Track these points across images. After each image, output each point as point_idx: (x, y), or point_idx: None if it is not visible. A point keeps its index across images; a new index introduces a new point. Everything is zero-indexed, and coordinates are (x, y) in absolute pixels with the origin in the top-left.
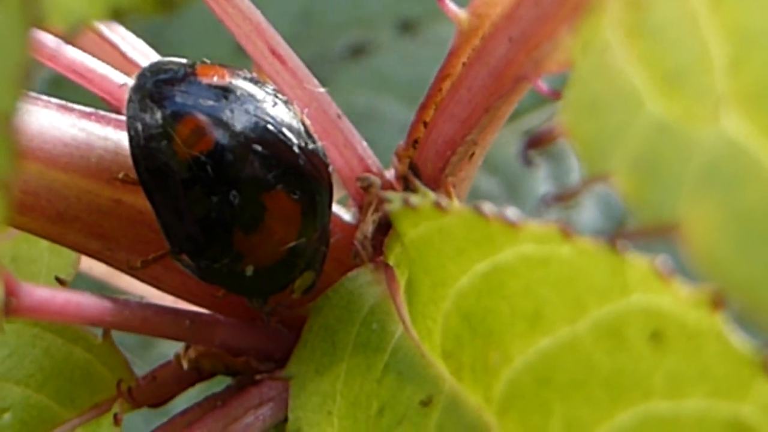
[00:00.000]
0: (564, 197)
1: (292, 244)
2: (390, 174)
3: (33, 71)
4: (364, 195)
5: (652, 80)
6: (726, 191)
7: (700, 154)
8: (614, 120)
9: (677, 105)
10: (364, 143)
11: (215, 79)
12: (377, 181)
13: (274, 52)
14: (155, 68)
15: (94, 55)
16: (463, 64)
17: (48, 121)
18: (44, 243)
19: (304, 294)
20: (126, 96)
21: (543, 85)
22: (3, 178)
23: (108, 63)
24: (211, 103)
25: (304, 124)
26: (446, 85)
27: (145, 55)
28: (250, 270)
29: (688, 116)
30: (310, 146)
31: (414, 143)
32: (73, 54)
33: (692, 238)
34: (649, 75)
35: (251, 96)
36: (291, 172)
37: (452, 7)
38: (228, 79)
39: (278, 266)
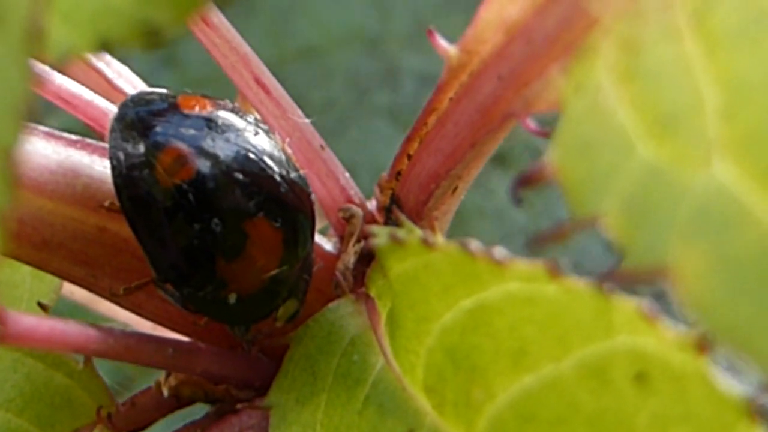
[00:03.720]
0: (553, 237)
1: (274, 272)
2: (372, 205)
3: (34, 105)
4: (346, 225)
5: (644, 123)
6: (716, 236)
7: (690, 199)
8: (605, 162)
9: (669, 149)
10: (347, 174)
11: (196, 109)
12: (359, 212)
13: (258, 82)
14: (137, 98)
15: (79, 82)
16: (450, 99)
17: (34, 148)
18: (27, 268)
19: (288, 322)
20: (108, 126)
21: (531, 123)
22: (1, 210)
23: (93, 90)
24: (192, 132)
25: (285, 153)
26: (432, 119)
27: (130, 82)
28: (233, 298)
29: (679, 160)
30: (292, 174)
31: (397, 175)
32: (58, 80)
33: (681, 282)
34: (641, 118)
35: (232, 125)
36: (272, 200)
37: (442, 42)
38: (209, 109)
39: (261, 294)
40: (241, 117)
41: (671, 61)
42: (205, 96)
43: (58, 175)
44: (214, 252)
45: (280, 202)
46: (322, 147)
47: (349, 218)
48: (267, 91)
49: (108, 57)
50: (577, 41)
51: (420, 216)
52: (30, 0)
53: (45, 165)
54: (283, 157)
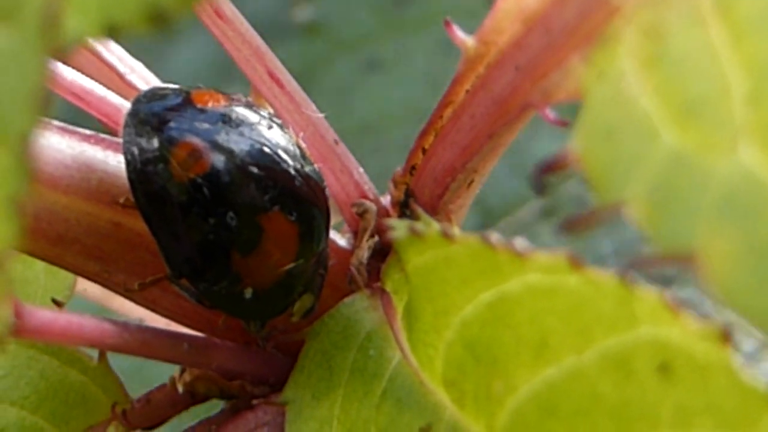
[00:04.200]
0: (578, 225)
1: (290, 266)
2: (386, 200)
3: (49, 95)
4: (360, 221)
5: (668, 110)
6: (743, 221)
7: (716, 184)
8: (629, 149)
9: (694, 135)
10: (361, 169)
11: (210, 104)
12: (373, 207)
13: (272, 76)
14: (151, 94)
15: (92, 77)
16: (467, 91)
17: (49, 142)
18: (40, 264)
19: (304, 317)
20: (122, 121)
21: (550, 113)
22: (19, 201)
23: (106, 85)
24: (206, 126)
25: (299, 146)
26: (448, 112)
27: (143, 78)
28: (248, 293)
29: (705, 146)
30: (306, 168)
31: (411, 169)
32: (71, 76)
33: (709, 267)
34: (666, 105)
35: (246, 119)
36: (287, 193)
37: (459, 33)
38: (223, 104)
39: (277, 289)
40: (255, 111)
41: (696, 48)
42: (218, 90)
43: (73, 170)
44: (229, 246)
45: (295, 195)
46: (336, 142)
47: (362, 213)
48: (281, 85)
49: (121, 52)
50: (598, 30)
51: (435, 210)
52: None
53: (60, 160)
54: (298, 151)
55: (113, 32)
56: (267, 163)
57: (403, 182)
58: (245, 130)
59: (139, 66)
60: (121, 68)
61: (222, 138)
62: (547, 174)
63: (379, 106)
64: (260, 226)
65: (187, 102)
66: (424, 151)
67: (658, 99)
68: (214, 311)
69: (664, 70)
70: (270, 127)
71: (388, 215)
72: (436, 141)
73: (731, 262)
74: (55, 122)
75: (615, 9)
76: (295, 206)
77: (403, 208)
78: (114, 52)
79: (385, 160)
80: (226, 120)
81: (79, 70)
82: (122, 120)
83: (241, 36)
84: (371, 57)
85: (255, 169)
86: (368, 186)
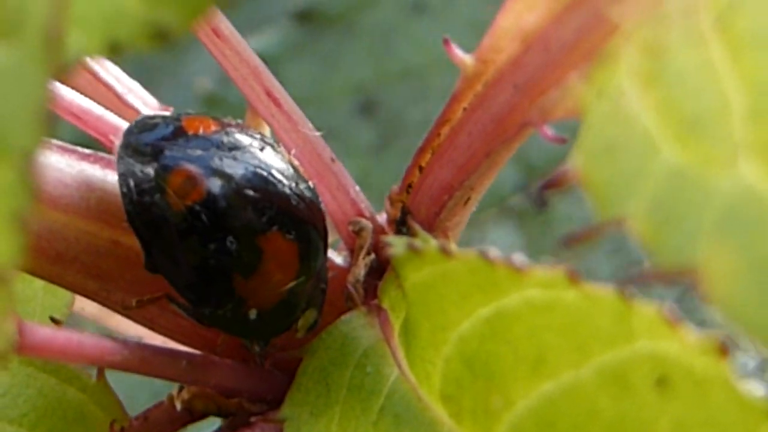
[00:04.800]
0: (584, 238)
1: (291, 284)
2: (382, 218)
3: (51, 114)
4: (356, 239)
5: (668, 127)
6: (744, 236)
7: (717, 200)
8: (630, 165)
9: (694, 151)
10: (357, 187)
11: (201, 129)
12: (369, 225)
13: (269, 95)
14: (141, 124)
15: (89, 97)
16: (464, 109)
17: (48, 161)
18: (39, 282)
19: (308, 332)
20: (115, 153)
21: (548, 131)
22: (22, 218)
23: (104, 105)
24: (199, 152)
25: (292, 165)
26: (445, 130)
27: (140, 98)
28: (253, 314)
29: (705, 163)
30: (301, 186)
31: (408, 187)
32: (69, 95)
33: (711, 282)
34: (666, 121)
35: (238, 143)
36: (284, 212)
37: (458, 52)
38: (213, 129)
39: (280, 308)
40: (247, 133)
41: (696, 66)
42: (208, 115)
43: (72, 188)
44: (230, 270)
45: (292, 214)
46: (332, 160)
47: (359, 231)
48: (278, 104)
49: (118, 72)
50: (597, 48)
51: (432, 228)
52: (49, 4)
53: (59, 178)
54: (291, 170)
55: (115, 50)
56: (262, 184)
57: (399, 200)
58: (238, 153)
59: (136, 86)
60: (119, 89)
61: (216, 163)
62: (549, 190)
63: (423, 50)
64: (260, 247)
65: (178, 129)
66: (421, 169)
67: (658, 116)
68: (212, 329)
69: (663, 88)
70: (262, 149)
71: (384, 233)
72: (433, 159)
73: (732, 278)
74: (54, 140)
75: (614, 27)
76: (292, 225)
77: (400, 226)
78: (111, 73)
79: (426, 107)
80: (219, 145)
81: (77, 91)
82: (115, 152)
83: (238, 55)
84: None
85: (251, 192)
86: (364, 204)
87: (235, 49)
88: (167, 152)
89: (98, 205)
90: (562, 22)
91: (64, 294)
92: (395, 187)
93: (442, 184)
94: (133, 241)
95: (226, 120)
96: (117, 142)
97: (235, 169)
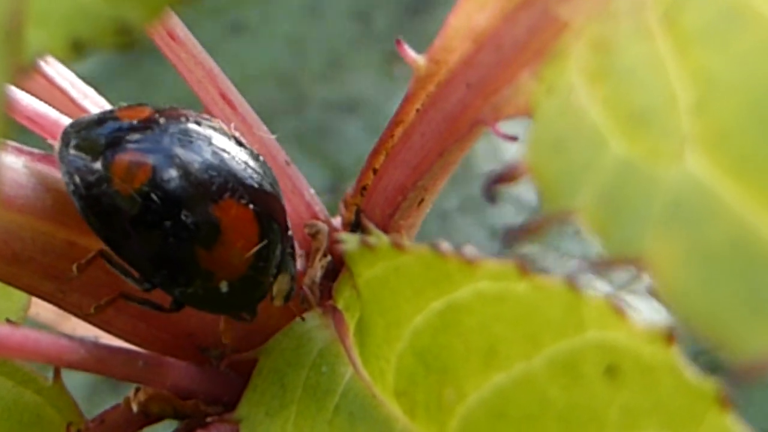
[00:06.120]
0: (527, 231)
1: (255, 249)
2: (337, 221)
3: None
4: (312, 241)
5: (616, 120)
6: (690, 227)
7: (664, 192)
8: (578, 158)
9: (642, 144)
10: (312, 190)
11: (136, 117)
12: (324, 227)
13: (224, 98)
14: (77, 123)
15: (45, 102)
16: (417, 110)
17: (4, 162)
18: None
19: (286, 301)
20: (55, 157)
21: (500, 129)
22: None
23: (60, 110)
24: (137, 137)
25: (232, 135)
26: (398, 131)
27: (96, 103)
28: (224, 286)
29: (652, 155)
30: (244, 151)
31: (362, 190)
32: (25, 99)
33: (658, 271)
34: (614, 115)
35: (175, 122)
36: (232, 178)
37: (410, 52)
38: (148, 114)
39: (250, 275)
40: (180, 113)
41: (643, 60)
42: (142, 104)
43: (28, 189)
44: (192, 244)
45: (241, 179)
46: (287, 163)
47: (314, 234)
48: (233, 107)
49: (73, 78)
50: (547, 46)
51: (386, 229)
52: (8, 2)
53: (15, 179)
54: (232, 139)
55: (78, 47)
56: (205, 154)
57: (353, 203)
58: (175, 131)
59: (91, 91)
60: (74, 93)
61: (155, 143)
62: (498, 184)
63: (241, 67)
64: (216, 216)
65: (114, 120)
66: (374, 171)
67: (607, 110)
68: (167, 331)
69: (612, 83)
70: (199, 123)
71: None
72: (386, 161)
73: (676, 267)
74: (10, 142)
75: (564, 25)
76: (244, 190)
77: (354, 229)
78: (66, 77)
79: None
80: (154, 127)
81: (32, 95)
82: (56, 154)
83: (193, 58)
84: (236, 20)
85: (195, 164)
86: (319, 207)
87: (191, 52)
88: (107, 142)
89: (54, 206)
90: (514, 21)
91: (20, 297)
92: (350, 191)
93: (396, 186)
94: (89, 242)
95: (162, 108)
96: (56, 144)
97: (176, 145)
